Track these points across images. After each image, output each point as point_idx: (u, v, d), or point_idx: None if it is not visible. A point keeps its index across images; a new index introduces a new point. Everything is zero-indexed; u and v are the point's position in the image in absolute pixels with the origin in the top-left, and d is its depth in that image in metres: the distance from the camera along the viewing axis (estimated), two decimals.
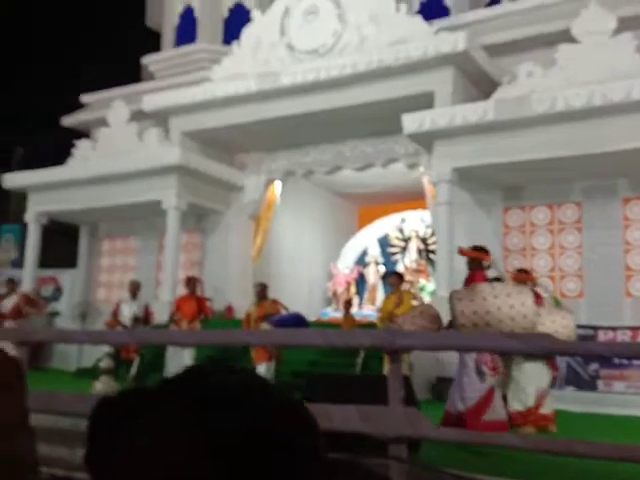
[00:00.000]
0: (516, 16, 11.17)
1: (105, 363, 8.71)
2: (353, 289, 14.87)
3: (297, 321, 7.68)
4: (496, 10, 11.65)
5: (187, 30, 15.22)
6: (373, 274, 14.87)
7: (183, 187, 11.80)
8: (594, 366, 8.33)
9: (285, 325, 7.33)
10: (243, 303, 11.05)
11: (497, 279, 6.11)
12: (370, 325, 9.43)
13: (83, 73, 22.50)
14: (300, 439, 0.61)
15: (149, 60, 15.60)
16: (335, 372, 8.21)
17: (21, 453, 0.90)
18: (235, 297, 12.22)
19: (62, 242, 15.45)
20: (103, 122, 13.17)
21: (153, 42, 16.33)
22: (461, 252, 6.52)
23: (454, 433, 4.45)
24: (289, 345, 5.64)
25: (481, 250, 6.36)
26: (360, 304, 14.47)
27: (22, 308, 10.88)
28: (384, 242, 15.26)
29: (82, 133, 14.89)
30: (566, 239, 9.90)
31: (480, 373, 5.73)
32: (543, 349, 3.90)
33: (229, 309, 12.28)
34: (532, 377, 6.36)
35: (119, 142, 12.46)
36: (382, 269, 14.78)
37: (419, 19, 10.79)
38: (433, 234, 13.14)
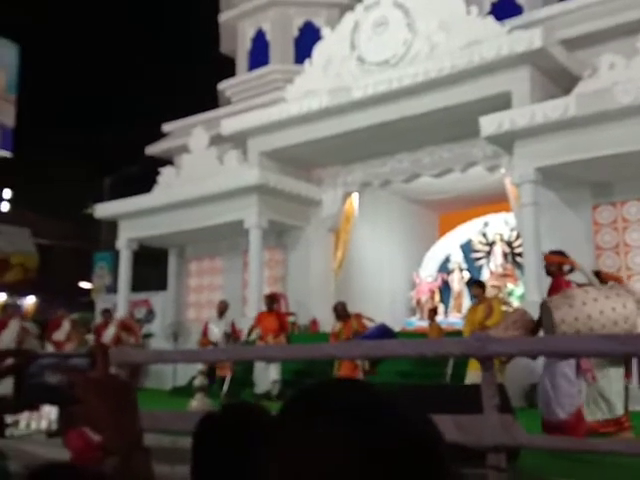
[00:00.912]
0: (593, 7, 10.77)
1: (199, 381, 8.96)
2: (437, 297, 14.66)
3: (383, 332, 7.64)
4: (571, 3, 11.27)
5: (260, 53, 15.62)
6: (457, 281, 14.61)
7: (263, 205, 12.05)
8: None
9: (375, 338, 7.30)
10: (327, 316, 11.12)
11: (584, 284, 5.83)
12: (457, 333, 9.25)
13: (164, 104, 23.51)
14: (442, 446, 0.65)
15: (225, 85, 16.11)
16: (424, 382, 8.09)
17: (138, 471, 0.96)
18: (318, 311, 12.31)
19: (152, 266, 16.11)
20: (184, 149, 13.69)
21: (228, 68, 16.87)
22: (547, 259, 6.24)
23: (555, 440, 4.29)
24: (377, 357, 5.62)
25: (560, 254, 6.10)
26: (445, 312, 14.23)
27: (120, 335, 11.42)
28: (467, 248, 14.97)
29: (165, 161, 15.52)
30: None
31: (578, 378, 5.50)
32: None
33: (314, 323, 12.39)
34: (615, 382, 6.02)
35: (201, 167, 12.88)
36: (466, 275, 14.50)
37: (491, 20, 10.59)
38: (518, 237, 12.78)
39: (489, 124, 9.29)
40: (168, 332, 13.58)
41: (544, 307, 5.22)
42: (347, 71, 11.73)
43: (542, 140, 9.05)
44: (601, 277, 6.29)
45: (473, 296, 8.75)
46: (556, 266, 5.98)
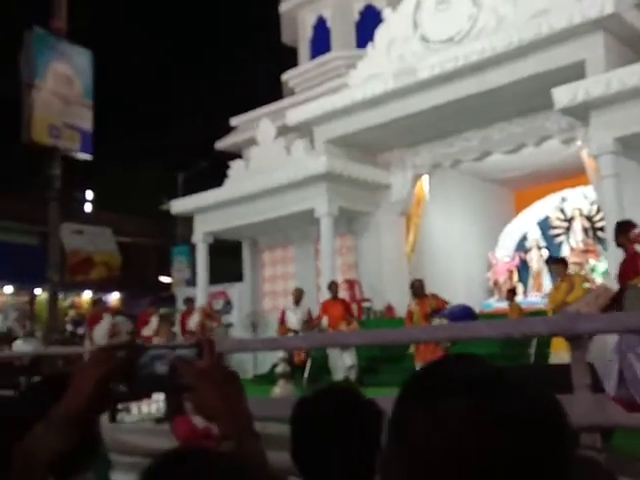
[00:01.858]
0: None
1: (281, 368, 9.12)
2: (515, 277, 14.30)
3: (466, 313, 7.53)
4: None
5: (321, 40, 15.59)
6: (536, 259, 14.19)
7: (332, 193, 12.07)
8: None
9: (459, 319, 7.21)
10: (401, 301, 11.05)
11: None
12: (538, 313, 9.00)
13: (231, 98, 23.94)
14: (566, 416, 0.67)
15: (288, 76, 16.19)
16: (508, 364, 7.94)
17: (252, 455, 0.99)
18: (392, 296, 12.26)
19: (228, 258, 16.47)
20: (252, 141, 13.87)
21: (291, 58, 16.94)
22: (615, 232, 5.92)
23: None
24: (462, 339, 5.55)
25: (626, 224, 5.76)
26: (525, 292, 13.88)
27: (205, 322, 11.77)
28: (545, 225, 14.52)
29: (235, 154, 15.78)
30: None
31: None
32: None
33: (389, 308, 12.34)
34: None
35: (269, 158, 13.02)
36: (545, 253, 14.06)
37: None
38: (599, 210, 12.29)
39: (563, 95, 8.95)
40: (246, 322, 13.87)
41: (634, 291, 4.96)
42: (411, 52, 11.55)
43: (620, 108, 8.65)
44: None
45: (553, 274, 8.47)
46: (623, 237, 5.70)
